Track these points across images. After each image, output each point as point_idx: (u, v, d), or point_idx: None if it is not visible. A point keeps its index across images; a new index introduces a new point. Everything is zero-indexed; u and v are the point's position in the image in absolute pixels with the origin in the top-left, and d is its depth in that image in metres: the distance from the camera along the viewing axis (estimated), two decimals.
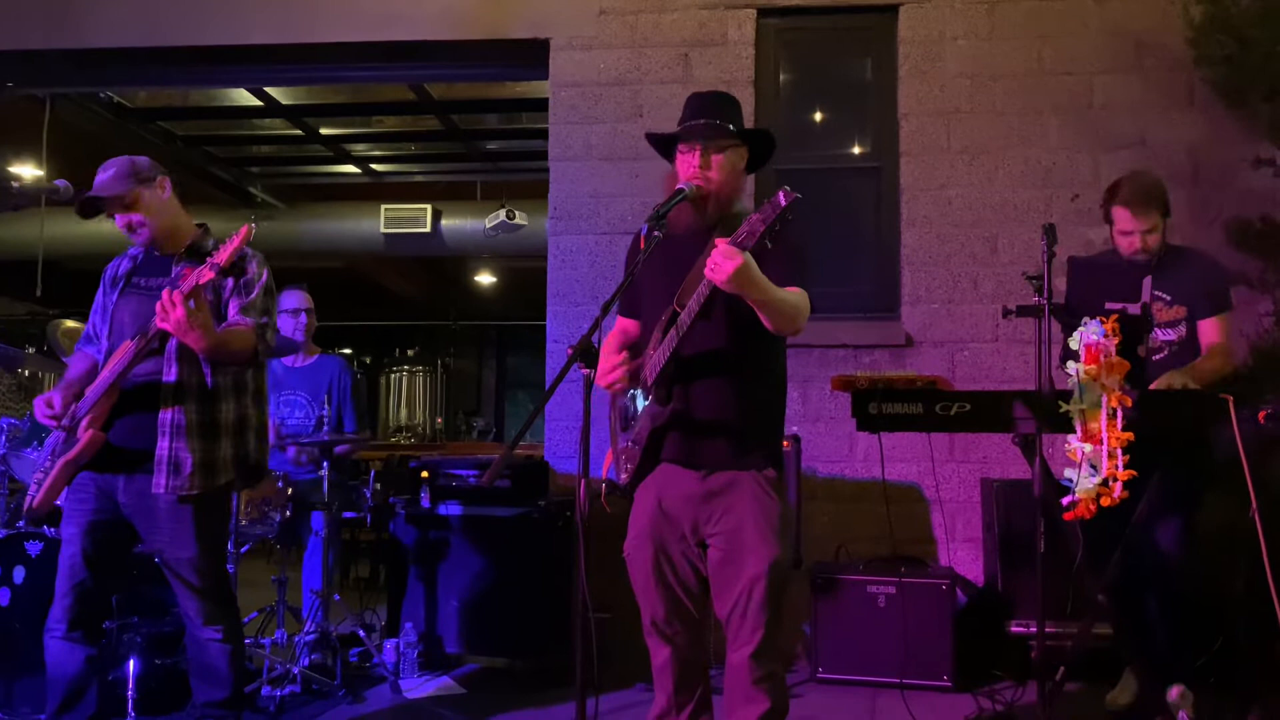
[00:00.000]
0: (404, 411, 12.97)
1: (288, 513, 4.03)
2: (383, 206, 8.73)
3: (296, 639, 4.01)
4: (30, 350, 4.77)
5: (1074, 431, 2.78)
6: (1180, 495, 3.33)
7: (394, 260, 10.89)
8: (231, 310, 3.05)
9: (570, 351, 2.31)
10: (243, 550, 4.00)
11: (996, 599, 4.25)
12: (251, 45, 5.38)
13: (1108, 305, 3.27)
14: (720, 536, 2.60)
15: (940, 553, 4.65)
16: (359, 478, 4.97)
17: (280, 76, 6.21)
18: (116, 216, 3.09)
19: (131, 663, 3.44)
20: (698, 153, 2.64)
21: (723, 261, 2.32)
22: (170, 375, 2.99)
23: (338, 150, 8.35)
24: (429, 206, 8.64)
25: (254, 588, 4.56)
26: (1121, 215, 3.43)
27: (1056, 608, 3.35)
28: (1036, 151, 4.79)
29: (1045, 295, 2.88)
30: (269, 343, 3.12)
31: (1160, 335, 3.44)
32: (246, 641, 3.44)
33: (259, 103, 7.02)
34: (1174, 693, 3.28)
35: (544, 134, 5.28)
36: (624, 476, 2.75)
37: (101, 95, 6.86)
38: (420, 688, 4.07)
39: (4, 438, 3.91)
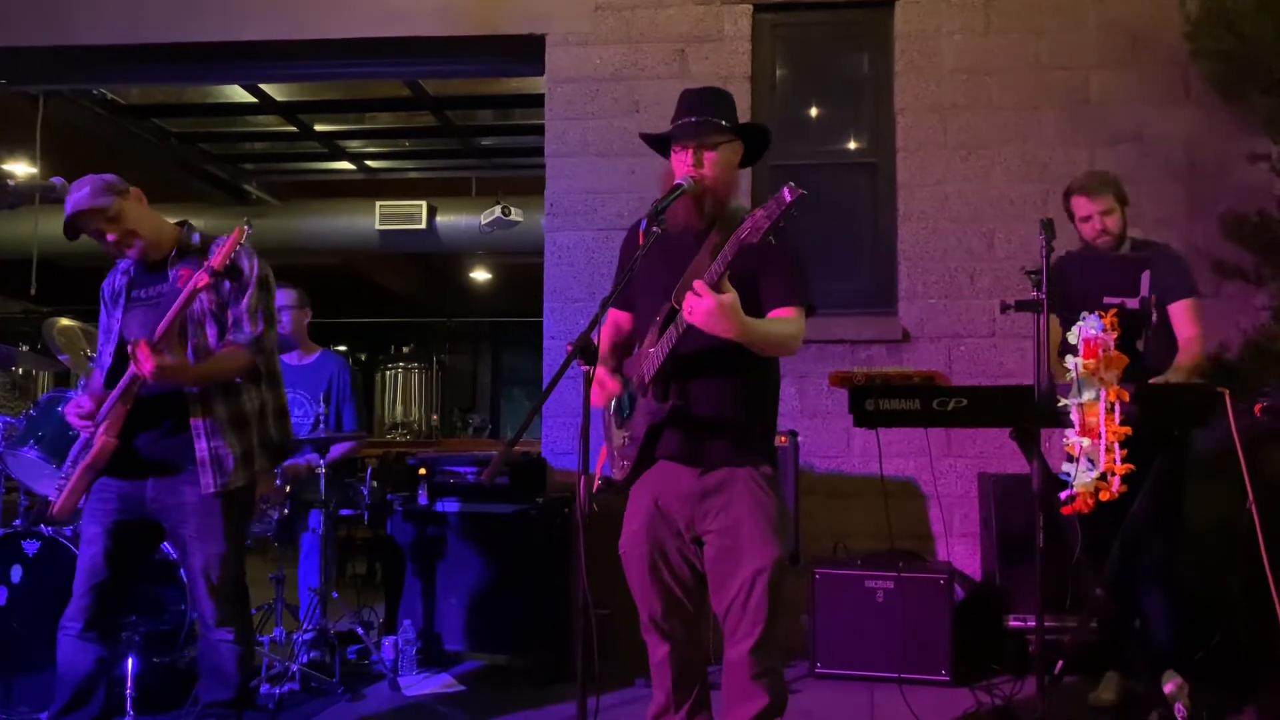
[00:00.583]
0: (399, 408, 12.96)
1: (285, 510, 4.03)
2: (377, 203, 8.71)
3: (295, 637, 4.01)
4: (24, 348, 4.73)
5: (1072, 426, 2.78)
6: (1174, 489, 3.35)
7: (389, 257, 10.87)
8: (229, 319, 3.05)
9: (569, 349, 2.30)
10: None
11: (994, 593, 4.25)
12: (246, 42, 5.36)
13: (1106, 300, 3.28)
14: (717, 533, 2.60)
15: (938, 548, 4.65)
16: (355, 475, 4.96)
17: (275, 73, 6.19)
18: (106, 234, 3.03)
19: (130, 661, 3.43)
20: (691, 151, 2.63)
21: (696, 304, 2.34)
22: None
23: (332, 147, 8.33)
24: (424, 203, 8.63)
25: (252, 585, 4.54)
26: (1078, 202, 3.58)
27: (1054, 602, 3.36)
28: (1033, 147, 4.79)
29: (1044, 290, 2.88)
30: (268, 352, 3.13)
31: None
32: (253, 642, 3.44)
33: (253, 99, 7.01)
34: (1170, 685, 3.29)
35: (539, 130, 5.27)
36: (619, 473, 2.75)
37: (95, 92, 6.84)
38: (419, 685, 4.07)
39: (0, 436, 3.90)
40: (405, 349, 13.52)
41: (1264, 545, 2.72)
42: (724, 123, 2.65)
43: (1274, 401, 2.81)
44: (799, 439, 4.38)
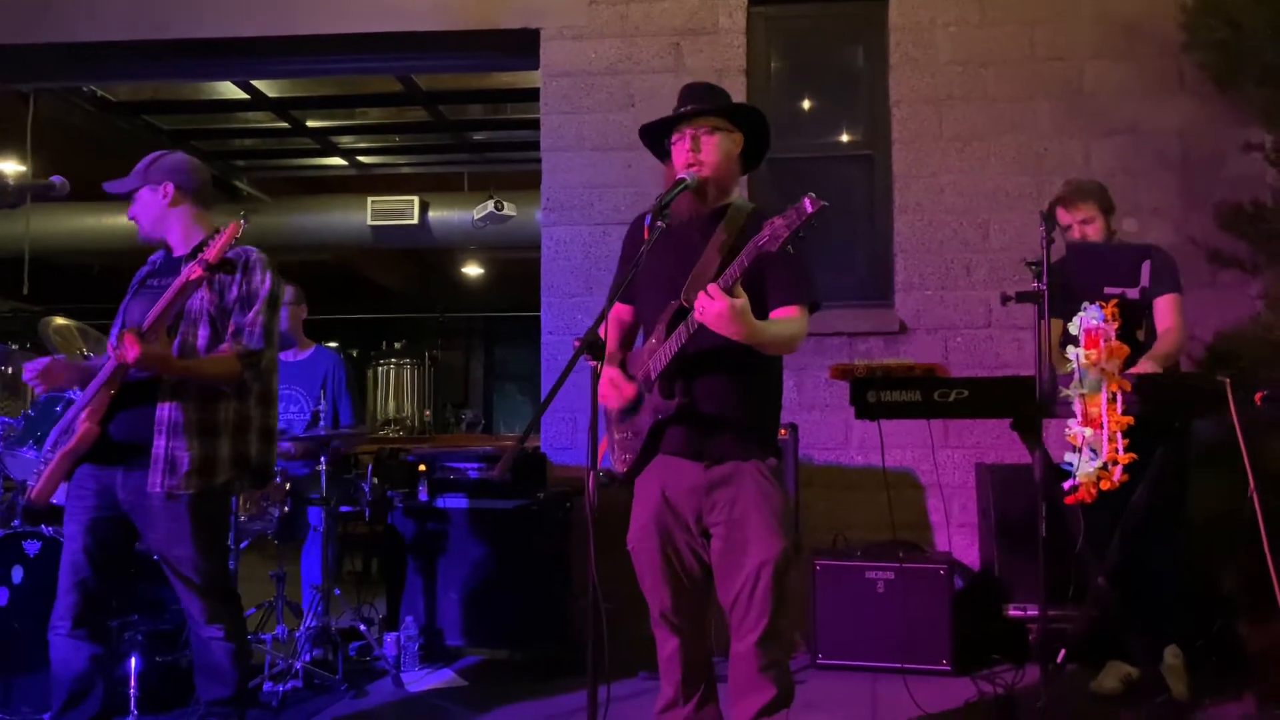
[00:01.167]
0: (392, 404, 12.93)
1: (286, 508, 4.02)
2: (369, 199, 8.67)
3: (297, 634, 4.00)
4: (15, 347, 4.71)
5: (1074, 416, 2.80)
6: (1175, 478, 3.37)
7: (381, 253, 10.84)
8: (231, 326, 3.02)
9: (577, 345, 2.30)
10: (242, 546, 3.99)
11: (993, 583, 4.28)
12: (237, 38, 5.34)
13: (1107, 290, 3.29)
14: (724, 525, 2.61)
15: (936, 538, 4.68)
16: (352, 471, 4.96)
17: (267, 69, 6.17)
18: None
19: (133, 660, 3.42)
20: (688, 137, 2.64)
21: (708, 306, 2.36)
22: None
23: (324, 142, 8.31)
24: (416, 198, 8.59)
25: (253, 583, 4.54)
26: (1060, 213, 3.63)
27: (1055, 591, 3.38)
28: (1028, 138, 4.80)
29: (1044, 281, 2.89)
30: (260, 369, 3.07)
31: None
32: (247, 637, 3.43)
33: (245, 95, 6.98)
34: (1167, 654, 3.36)
35: (532, 124, 5.26)
36: (621, 467, 2.76)
37: (85, 89, 6.80)
38: (422, 681, 4.07)
39: None
40: (397, 345, 13.48)
41: (1265, 534, 2.74)
42: (722, 106, 2.67)
43: (1275, 391, 2.82)
44: (798, 431, 4.39)
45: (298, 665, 3.83)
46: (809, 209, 2.25)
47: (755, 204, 2.76)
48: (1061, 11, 4.81)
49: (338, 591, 4.35)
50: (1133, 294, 3.42)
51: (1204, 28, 4.32)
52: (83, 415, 2.94)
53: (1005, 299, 2.97)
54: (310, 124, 7.80)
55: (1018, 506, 4.19)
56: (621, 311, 2.87)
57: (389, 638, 4.18)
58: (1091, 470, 2.72)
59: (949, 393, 3.17)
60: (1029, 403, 2.97)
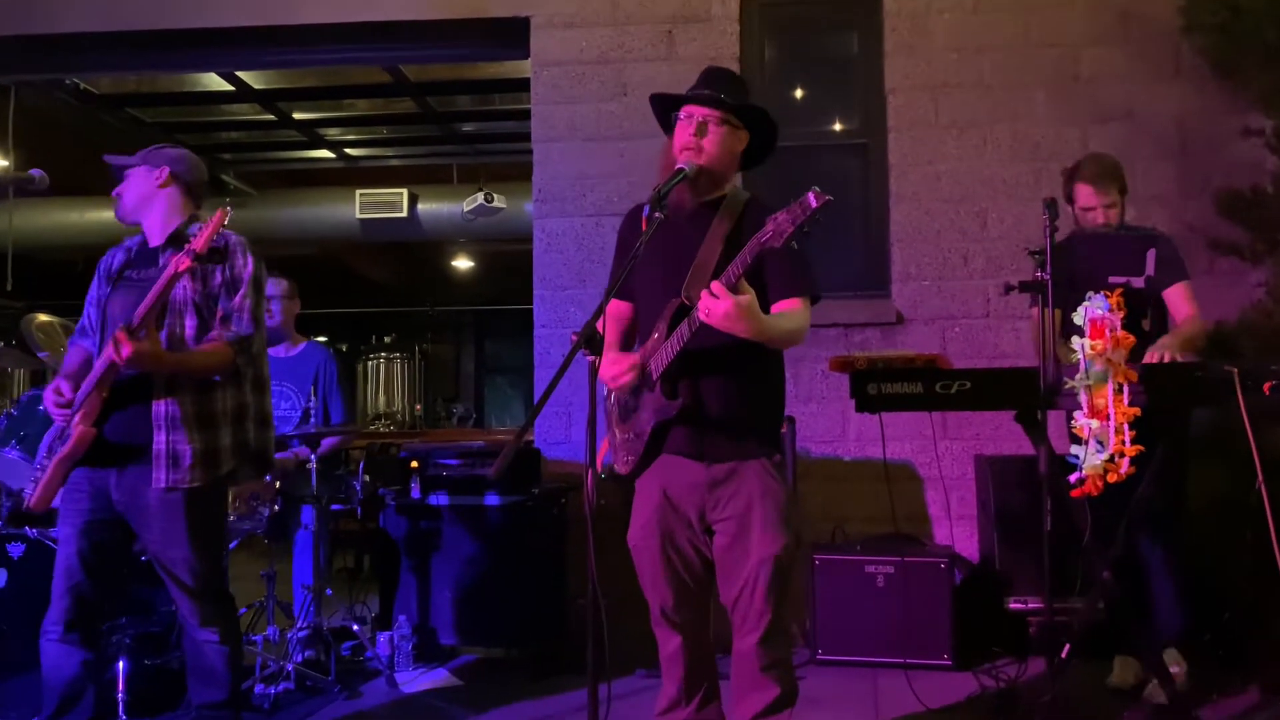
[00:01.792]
0: (382, 399, 12.85)
1: (276, 507, 3.95)
2: (358, 192, 8.60)
3: (289, 635, 3.94)
4: None
5: (1079, 408, 2.75)
6: (1177, 470, 3.33)
7: (370, 246, 10.76)
8: (219, 312, 2.97)
9: (575, 338, 2.24)
10: (231, 546, 3.91)
11: (993, 575, 4.24)
12: (222, 28, 5.24)
13: (1111, 279, 3.24)
14: (727, 521, 2.56)
15: (935, 530, 4.63)
16: (345, 468, 4.89)
17: (252, 59, 6.06)
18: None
19: (121, 663, 3.37)
20: (695, 121, 2.57)
21: (714, 305, 2.30)
22: None
23: (311, 135, 8.21)
24: (405, 191, 8.51)
25: (243, 582, 4.47)
26: (1084, 191, 3.53)
27: (1055, 584, 3.34)
28: (1025, 125, 4.75)
29: (1048, 271, 2.84)
30: (252, 354, 3.03)
31: None
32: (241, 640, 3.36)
33: (229, 87, 6.88)
34: (1175, 668, 3.31)
35: (521, 115, 5.19)
36: (623, 467, 2.71)
37: (67, 82, 6.67)
38: (416, 681, 4.01)
39: None
40: (387, 339, 13.41)
41: (1272, 524, 2.70)
42: (735, 103, 2.60)
43: None
44: (796, 424, 4.34)
45: (289, 667, 3.77)
46: (814, 204, 2.18)
47: (751, 193, 2.71)
48: None
49: (330, 591, 4.28)
50: (1138, 283, 3.38)
51: (1202, 11, 4.27)
52: (76, 419, 2.88)
53: (1008, 288, 2.92)
54: (297, 116, 7.71)
55: (1017, 498, 4.15)
56: (620, 308, 2.82)
57: (382, 637, 4.12)
58: (1098, 463, 2.67)
59: (951, 384, 3.12)
60: (1033, 394, 2.92)
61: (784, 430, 4.04)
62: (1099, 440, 2.70)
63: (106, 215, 3.62)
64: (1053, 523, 2.91)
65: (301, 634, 3.93)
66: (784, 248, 2.26)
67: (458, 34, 5.24)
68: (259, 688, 3.68)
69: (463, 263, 12.68)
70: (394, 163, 9.16)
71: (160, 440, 2.87)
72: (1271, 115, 4.27)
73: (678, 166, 2.54)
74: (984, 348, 4.69)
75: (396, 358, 13.01)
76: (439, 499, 4.26)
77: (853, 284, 4.85)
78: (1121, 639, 3.57)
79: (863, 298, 4.83)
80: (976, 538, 4.59)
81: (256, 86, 6.94)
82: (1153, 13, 4.61)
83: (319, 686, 3.84)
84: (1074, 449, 2.74)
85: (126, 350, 2.73)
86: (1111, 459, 2.68)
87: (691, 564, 2.63)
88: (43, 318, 4.39)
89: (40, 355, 4.23)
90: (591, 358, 2.29)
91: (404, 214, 8.49)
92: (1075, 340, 2.77)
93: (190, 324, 2.95)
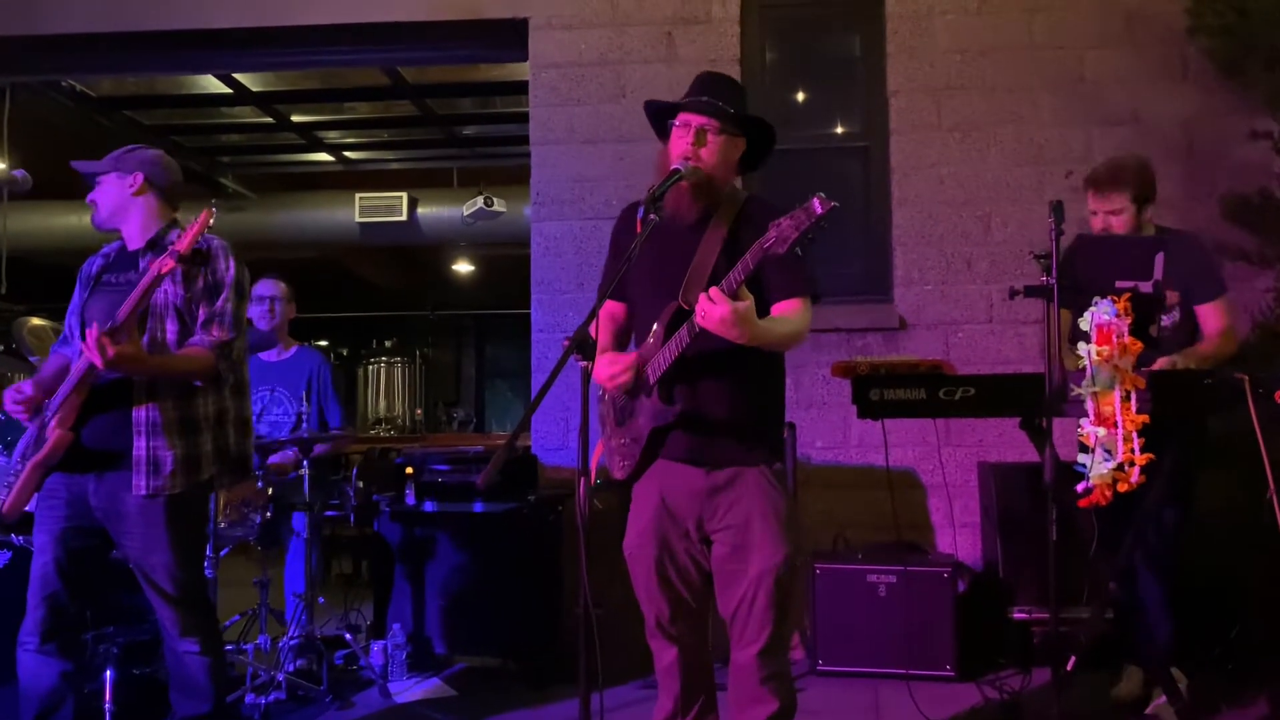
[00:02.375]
0: (382, 403, 12.79)
1: (268, 514, 3.89)
2: (357, 195, 8.54)
3: (281, 644, 3.87)
4: None
5: (1086, 415, 2.69)
6: (1185, 479, 3.27)
7: (369, 250, 10.71)
8: (200, 316, 2.91)
9: (567, 343, 2.18)
10: (222, 553, 3.86)
11: (996, 584, 4.17)
12: (220, 30, 5.19)
13: (1119, 284, 3.18)
14: (726, 531, 2.50)
15: (937, 538, 4.57)
16: (339, 473, 4.83)
17: (250, 62, 6.02)
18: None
19: (108, 673, 3.30)
20: (693, 129, 2.52)
21: (711, 310, 2.26)
22: None
23: (310, 138, 8.16)
24: (404, 194, 8.45)
25: (235, 589, 4.42)
26: (1088, 195, 3.46)
27: (1061, 594, 3.27)
28: (1029, 128, 4.70)
29: (1054, 275, 2.78)
30: (234, 360, 2.97)
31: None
32: (228, 648, 3.31)
33: (228, 90, 6.83)
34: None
35: (521, 118, 5.14)
36: (619, 473, 2.65)
37: (64, 84, 6.64)
38: (410, 690, 3.95)
39: None
40: (387, 343, 13.34)
41: None
42: (734, 110, 2.54)
43: None
44: (796, 430, 4.28)
45: (280, 676, 3.71)
46: (819, 210, 2.13)
47: (749, 193, 2.65)
48: None
49: (322, 600, 4.22)
50: (1145, 287, 3.30)
51: (1209, 12, 4.22)
52: (53, 423, 2.82)
53: (1014, 293, 2.86)
54: (296, 119, 7.66)
55: (1021, 506, 4.09)
56: (613, 308, 2.75)
57: (375, 646, 4.07)
58: (1106, 471, 2.61)
59: (954, 391, 3.06)
60: (1038, 401, 2.86)
61: (785, 436, 4.02)
62: (1106, 448, 2.64)
63: None
64: (1058, 532, 2.84)
65: (293, 642, 3.86)
66: (786, 253, 2.21)
67: (456, 36, 5.19)
68: (249, 697, 3.61)
69: (463, 267, 12.63)
70: (394, 166, 9.12)
71: (141, 446, 2.82)
72: (1279, 118, 4.21)
73: (673, 167, 2.48)
74: (988, 353, 4.62)
75: (396, 362, 12.94)
76: (434, 505, 4.20)
77: (854, 289, 4.79)
78: (1129, 649, 3.50)
79: (865, 302, 4.77)
80: (980, 546, 4.53)
81: (255, 89, 6.90)
82: (1158, 14, 4.56)
83: (311, 696, 3.78)
84: (1081, 457, 2.68)
85: (110, 352, 2.67)
86: (1120, 467, 2.62)
87: (689, 576, 2.57)
88: (35, 321, 4.35)
89: (32, 359, 4.19)
90: (584, 363, 2.23)
91: (404, 218, 8.43)
92: (1082, 346, 2.71)
93: (172, 328, 2.90)
